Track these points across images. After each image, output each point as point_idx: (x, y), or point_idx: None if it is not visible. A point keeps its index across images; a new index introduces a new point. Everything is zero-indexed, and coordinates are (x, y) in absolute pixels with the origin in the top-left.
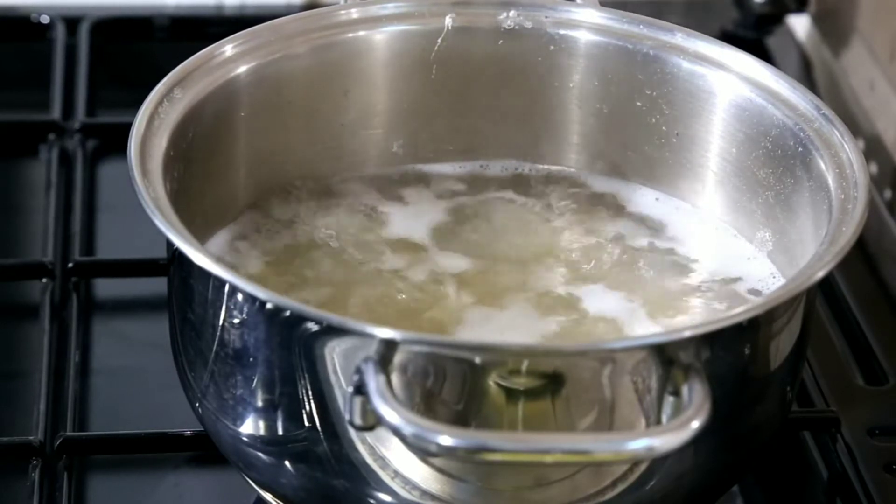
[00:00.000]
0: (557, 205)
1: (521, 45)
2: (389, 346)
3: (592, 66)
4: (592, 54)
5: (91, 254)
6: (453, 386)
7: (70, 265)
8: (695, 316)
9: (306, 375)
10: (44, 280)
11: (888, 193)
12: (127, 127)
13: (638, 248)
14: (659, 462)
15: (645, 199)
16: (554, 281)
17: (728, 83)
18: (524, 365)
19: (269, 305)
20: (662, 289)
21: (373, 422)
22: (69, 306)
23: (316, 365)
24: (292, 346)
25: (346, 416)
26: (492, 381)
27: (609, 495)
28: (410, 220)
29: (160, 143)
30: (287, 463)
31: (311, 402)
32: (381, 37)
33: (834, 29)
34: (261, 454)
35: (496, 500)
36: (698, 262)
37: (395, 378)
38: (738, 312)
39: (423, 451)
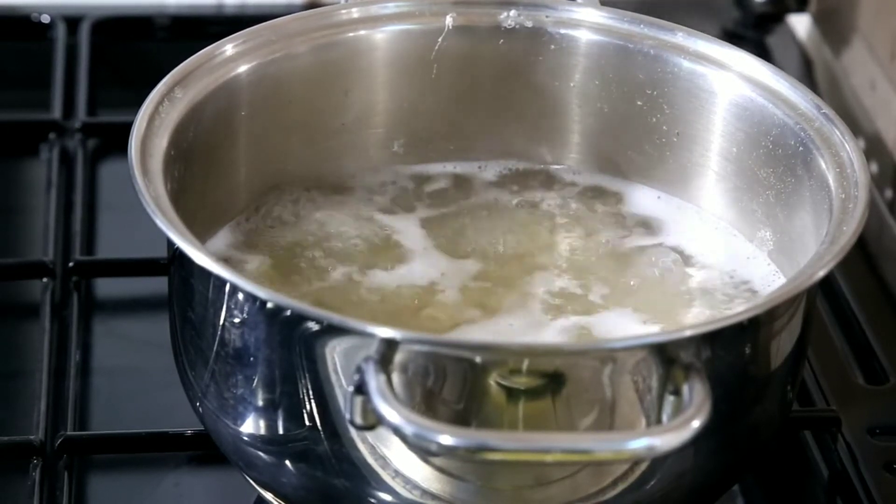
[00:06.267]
0: (558, 204)
1: (522, 44)
2: (390, 346)
3: (593, 65)
4: (593, 54)
5: (91, 253)
6: (454, 385)
7: (70, 265)
8: (695, 315)
9: (307, 375)
10: (44, 279)
11: (889, 193)
12: (127, 126)
13: (638, 248)
14: (659, 462)
15: (645, 199)
16: (554, 280)
17: (729, 82)
18: (524, 364)
19: (269, 305)
20: (663, 288)
21: (373, 421)
22: (70, 306)
23: (316, 364)
24: (293, 345)
25: (347, 416)
26: (492, 381)
27: (609, 495)
28: (410, 219)
29: (161, 143)
30: (287, 462)
31: (312, 401)
32: (381, 36)
33: (834, 28)
34: (261, 453)
35: (496, 499)
36: (699, 262)
37: (396, 377)
38: (738, 312)
39: (423, 450)
